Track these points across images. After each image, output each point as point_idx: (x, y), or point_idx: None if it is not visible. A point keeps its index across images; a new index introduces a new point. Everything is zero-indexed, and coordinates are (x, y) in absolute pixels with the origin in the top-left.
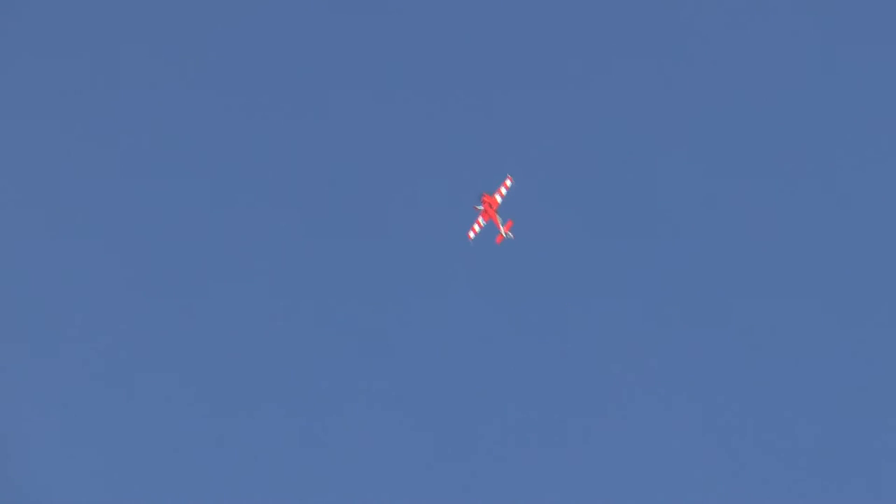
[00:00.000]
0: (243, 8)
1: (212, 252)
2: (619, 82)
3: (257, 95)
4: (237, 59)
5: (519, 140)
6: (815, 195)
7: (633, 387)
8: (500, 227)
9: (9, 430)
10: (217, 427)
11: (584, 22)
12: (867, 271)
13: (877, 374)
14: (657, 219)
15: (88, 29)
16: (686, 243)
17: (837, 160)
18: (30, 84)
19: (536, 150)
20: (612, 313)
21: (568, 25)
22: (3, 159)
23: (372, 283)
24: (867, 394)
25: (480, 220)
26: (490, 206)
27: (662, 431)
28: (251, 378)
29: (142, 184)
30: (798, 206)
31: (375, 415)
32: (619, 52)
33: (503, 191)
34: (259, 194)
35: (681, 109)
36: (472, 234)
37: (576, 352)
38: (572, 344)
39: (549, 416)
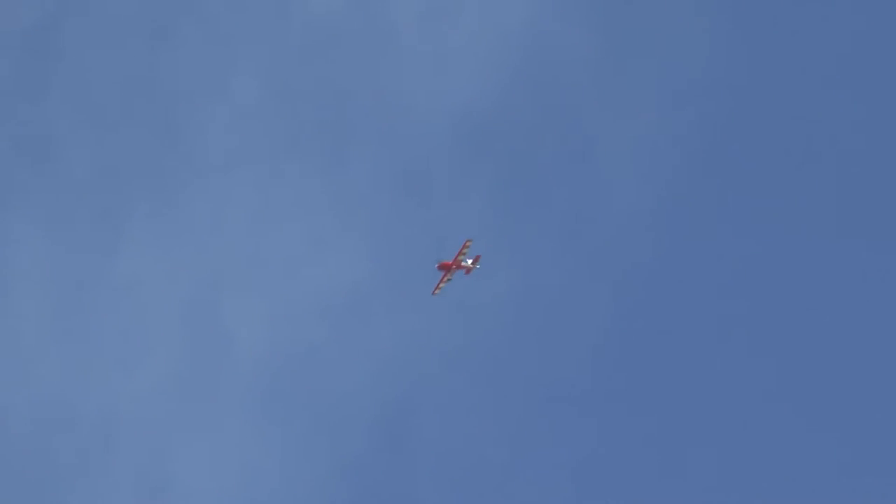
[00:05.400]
0: None
1: None
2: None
3: None
4: None
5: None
6: None
7: None
8: (467, 263)
9: None
10: None
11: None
12: None
13: None
14: None
15: None
16: None
17: None
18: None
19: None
20: None
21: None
22: None
23: None
24: None
25: (446, 278)
26: (452, 267)
27: None
28: None
29: None
30: None
31: None
32: None
33: (465, 251)
34: None
35: None
36: (436, 292)
37: None
38: None
39: None
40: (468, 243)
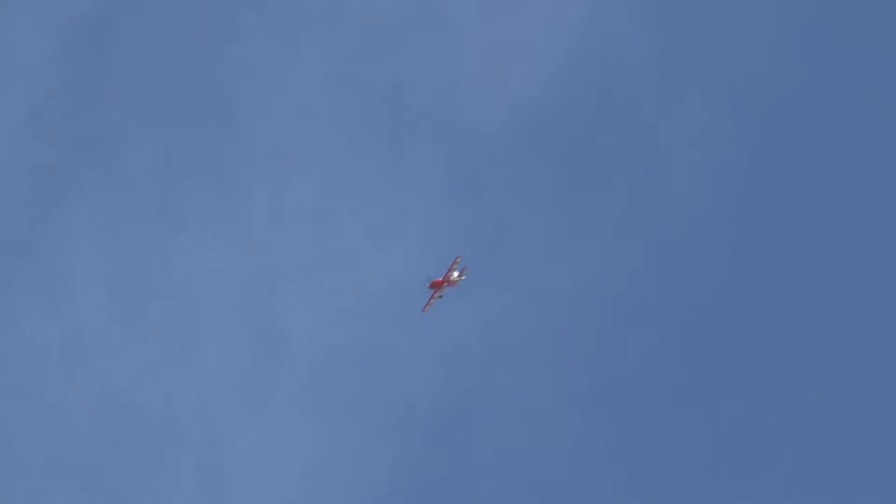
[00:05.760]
0: None
1: None
2: None
3: None
4: None
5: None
6: None
7: None
8: (454, 277)
9: None
10: None
11: None
12: None
13: None
14: None
15: None
16: None
17: None
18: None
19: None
20: None
21: None
22: None
23: None
24: None
25: (436, 295)
26: (443, 283)
27: None
28: None
29: None
30: None
31: None
32: None
33: (454, 267)
34: None
35: None
36: (426, 309)
37: None
38: None
39: None
40: (457, 259)
